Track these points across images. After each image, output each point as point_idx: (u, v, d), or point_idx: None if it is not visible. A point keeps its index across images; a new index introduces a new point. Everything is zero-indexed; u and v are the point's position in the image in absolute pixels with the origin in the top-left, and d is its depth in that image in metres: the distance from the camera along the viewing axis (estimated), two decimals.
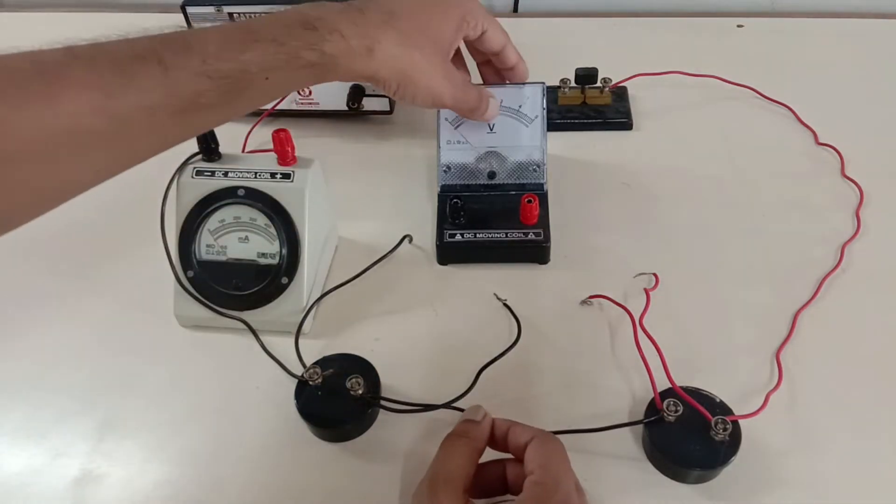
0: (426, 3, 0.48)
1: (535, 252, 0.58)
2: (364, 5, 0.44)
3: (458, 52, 0.55)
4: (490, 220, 0.58)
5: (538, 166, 0.59)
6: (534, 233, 0.57)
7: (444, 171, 0.60)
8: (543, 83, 0.60)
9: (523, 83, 0.59)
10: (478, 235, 0.58)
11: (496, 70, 0.59)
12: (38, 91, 0.32)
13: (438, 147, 0.60)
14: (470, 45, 0.55)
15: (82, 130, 0.33)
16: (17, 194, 0.34)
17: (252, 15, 0.64)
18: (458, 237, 0.58)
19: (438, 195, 0.60)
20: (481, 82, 0.60)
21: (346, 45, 0.42)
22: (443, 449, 0.41)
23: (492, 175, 0.60)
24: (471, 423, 0.42)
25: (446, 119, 0.60)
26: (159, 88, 0.34)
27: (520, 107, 0.59)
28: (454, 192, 0.60)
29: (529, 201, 0.56)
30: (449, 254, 0.58)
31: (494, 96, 0.57)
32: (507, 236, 0.57)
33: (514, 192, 0.59)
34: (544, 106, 0.59)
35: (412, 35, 0.45)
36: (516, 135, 0.60)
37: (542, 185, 0.60)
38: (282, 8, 0.43)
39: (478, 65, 0.59)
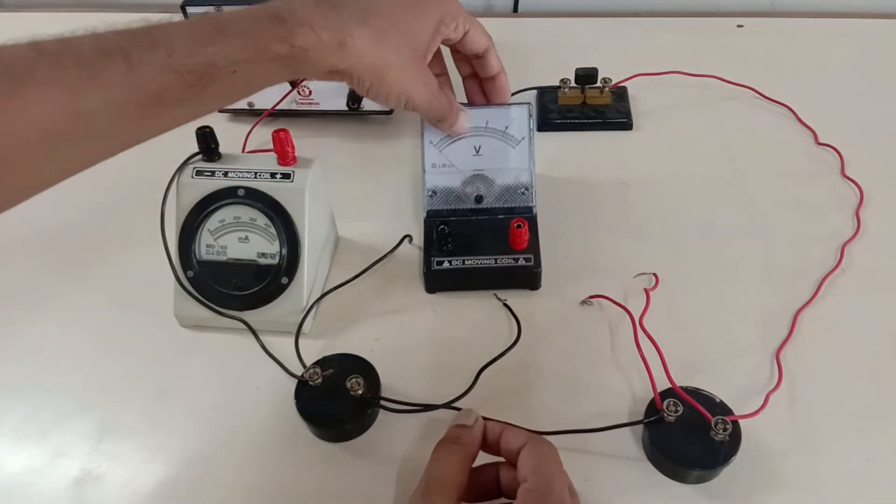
0: (403, 2, 0.46)
1: (526, 278, 0.56)
2: (338, 1, 0.43)
3: (439, 58, 0.53)
4: (478, 246, 0.56)
5: (527, 189, 0.58)
6: (524, 258, 0.56)
7: (430, 196, 0.59)
8: (529, 104, 0.58)
9: (509, 104, 0.57)
10: (466, 262, 0.56)
11: (480, 84, 0.57)
12: (4, 91, 0.31)
13: (423, 171, 0.58)
14: (453, 49, 0.53)
15: (48, 129, 0.32)
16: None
17: None
18: (447, 264, 0.56)
19: (425, 221, 0.58)
20: (465, 102, 0.57)
21: (317, 37, 0.41)
22: (435, 455, 0.41)
23: (479, 199, 0.58)
24: (462, 427, 0.42)
25: (431, 142, 0.58)
26: (125, 84, 0.34)
27: (506, 128, 0.58)
28: (441, 218, 0.58)
29: (519, 226, 0.55)
30: (437, 282, 0.57)
31: (465, 111, 0.55)
32: (496, 262, 0.56)
33: (502, 217, 0.57)
34: (531, 127, 0.58)
35: (387, 33, 0.43)
36: (503, 157, 0.58)
37: (531, 208, 0.58)
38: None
39: (463, 80, 0.57)
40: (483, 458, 0.43)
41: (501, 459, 0.43)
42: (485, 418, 0.44)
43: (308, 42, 0.40)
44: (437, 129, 0.57)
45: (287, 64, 0.41)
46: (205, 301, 0.54)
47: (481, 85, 0.57)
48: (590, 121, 0.70)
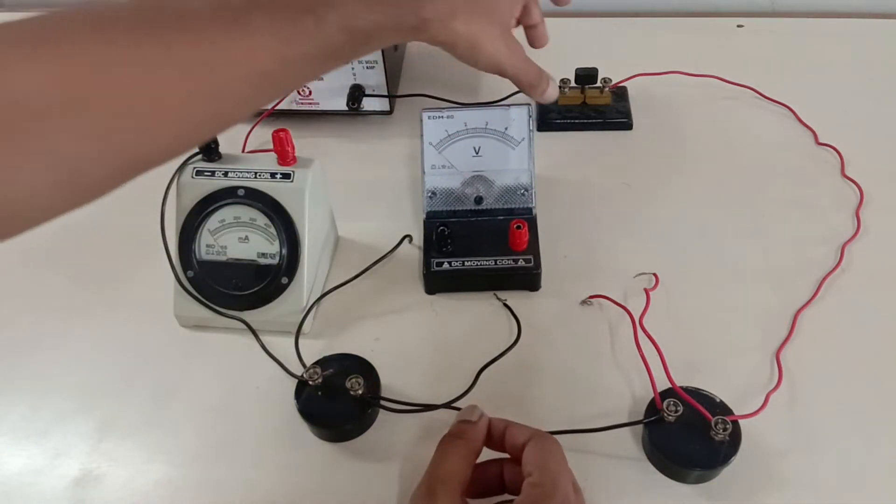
0: None
1: (526, 279, 0.56)
2: None
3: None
4: (478, 248, 0.56)
5: (526, 190, 0.58)
6: (524, 259, 0.56)
7: (430, 197, 0.59)
8: (529, 104, 0.58)
9: (509, 105, 0.58)
10: (466, 264, 0.56)
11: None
12: (231, 32, 0.35)
13: (423, 172, 0.58)
14: None
15: (261, 71, 0.37)
16: (216, 122, 0.38)
17: None
18: (446, 266, 0.56)
19: (424, 222, 0.58)
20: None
21: (436, 10, 0.46)
22: (439, 450, 0.41)
23: (479, 200, 0.58)
24: (467, 423, 0.42)
25: (430, 143, 0.58)
26: (315, 39, 0.39)
27: (506, 129, 0.58)
28: (440, 219, 0.58)
29: (518, 227, 0.55)
30: (437, 283, 0.57)
31: (554, 80, 0.57)
32: (496, 264, 0.56)
33: (502, 218, 0.57)
34: (531, 128, 0.58)
35: (482, 6, 0.50)
36: (503, 158, 0.58)
37: (530, 209, 0.58)
38: None
39: None
40: (487, 455, 0.43)
41: (506, 456, 0.43)
42: None
43: (429, 14, 0.46)
44: (436, 131, 0.57)
45: (411, 32, 0.47)
46: (205, 301, 0.54)
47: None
48: (590, 121, 0.70)
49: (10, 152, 0.30)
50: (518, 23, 0.58)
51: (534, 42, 0.60)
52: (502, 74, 0.54)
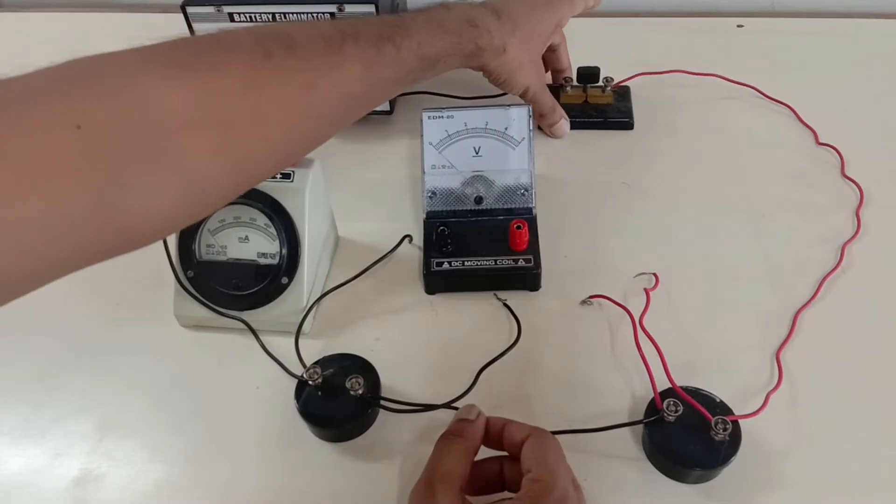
0: (538, 10, 0.61)
1: (526, 279, 0.56)
2: (498, 11, 0.57)
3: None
4: (478, 248, 0.56)
5: (526, 190, 0.58)
6: (524, 259, 0.56)
7: (430, 197, 0.59)
8: (529, 105, 0.58)
9: (508, 105, 0.58)
10: (466, 264, 0.56)
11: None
12: (332, 62, 0.40)
13: (423, 172, 0.58)
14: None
15: (351, 94, 0.41)
16: (312, 141, 0.43)
17: (252, 15, 0.64)
18: (446, 266, 0.56)
19: (424, 222, 0.58)
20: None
21: (491, 42, 0.54)
22: (438, 448, 0.42)
23: (479, 200, 0.58)
24: (465, 421, 0.43)
25: (430, 143, 0.58)
26: (393, 65, 0.44)
27: (506, 129, 0.58)
28: (440, 219, 0.58)
29: (518, 227, 0.55)
30: (437, 283, 0.57)
31: (567, 119, 0.67)
32: (496, 264, 0.56)
33: (502, 218, 0.57)
34: (531, 128, 0.58)
35: (527, 42, 0.58)
36: (503, 158, 0.58)
37: (530, 209, 0.58)
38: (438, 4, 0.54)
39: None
40: (487, 454, 0.43)
41: (505, 454, 0.43)
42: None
43: (486, 44, 0.54)
44: (436, 131, 0.57)
45: (468, 58, 0.54)
46: (205, 301, 0.54)
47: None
48: (591, 120, 0.70)
49: (146, 168, 0.33)
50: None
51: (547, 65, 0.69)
52: (525, 98, 0.61)
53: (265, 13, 0.63)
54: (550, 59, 0.68)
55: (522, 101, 0.59)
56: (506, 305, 0.56)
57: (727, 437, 0.44)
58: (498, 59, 0.55)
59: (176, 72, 0.34)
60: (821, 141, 0.67)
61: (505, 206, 0.58)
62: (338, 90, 0.41)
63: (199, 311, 0.54)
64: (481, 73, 0.59)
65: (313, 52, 0.39)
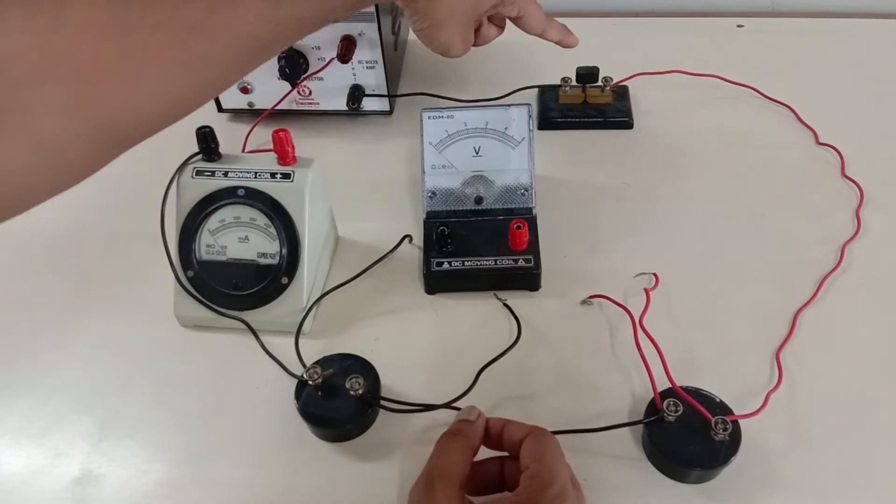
0: None
1: (526, 279, 0.56)
2: None
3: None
4: (478, 248, 0.56)
5: (526, 190, 0.58)
6: (524, 259, 0.56)
7: (430, 197, 0.59)
8: (529, 105, 0.58)
9: (508, 105, 0.58)
10: (466, 264, 0.56)
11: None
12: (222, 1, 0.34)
13: (423, 172, 0.58)
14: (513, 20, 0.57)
15: (252, 35, 0.35)
16: (203, 91, 0.36)
17: None
18: (446, 266, 0.56)
19: (424, 222, 0.58)
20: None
21: None
22: (438, 447, 0.42)
23: (479, 200, 0.58)
24: (465, 422, 0.43)
25: (430, 143, 0.58)
26: (309, 2, 0.37)
27: (506, 129, 0.58)
28: (440, 219, 0.58)
29: (518, 227, 0.55)
30: (436, 283, 0.57)
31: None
32: (496, 264, 0.56)
33: (502, 218, 0.57)
34: (531, 128, 0.58)
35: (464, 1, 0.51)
36: (503, 158, 0.58)
37: (530, 209, 0.58)
38: None
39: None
40: (488, 454, 0.43)
41: (505, 454, 0.43)
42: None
43: None
44: (436, 131, 0.57)
45: None
46: (205, 301, 0.54)
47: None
48: (591, 119, 0.70)
49: None
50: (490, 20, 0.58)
51: (525, 28, 0.59)
52: (444, 56, 0.54)
53: None
54: (522, 27, 0.59)
55: (523, 102, 0.59)
56: (506, 305, 0.56)
57: (727, 437, 0.44)
58: (428, 8, 0.49)
59: (14, 13, 0.29)
60: (821, 141, 0.67)
61: (505, 206, 0.58)
62: (233, 32, 0.34)
63: (199, 311, 0.54)
64: (406, 13, 0.52)
65: None
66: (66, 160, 0.32)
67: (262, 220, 0.53)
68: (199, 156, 0.54)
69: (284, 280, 0.53)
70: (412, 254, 0.60)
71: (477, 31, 0.56)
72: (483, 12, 0.53)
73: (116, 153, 0.34)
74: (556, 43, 0.60)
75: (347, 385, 0.48)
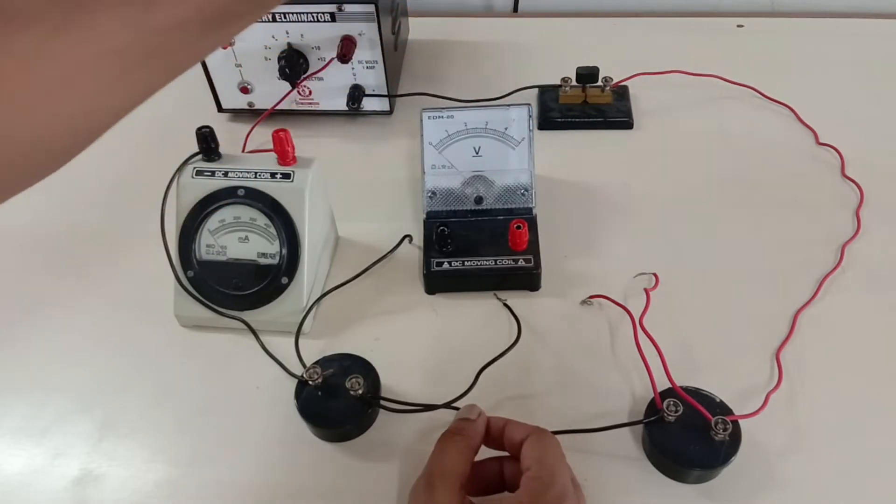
0: None
1: (526, 279, 0.56)
2: None
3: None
4: (478, 248, 0.56)
5: (526, 190, 0.58)
6: (524, 259, 0.56)
7: (430, 197, 0.59)
8: (529, 105, 0.58)
9: (508, 105, 0.58)
10: (466, 264, 0.56)
11: None
12: (72, 11, 0.29)
13: (423, 172, 0.58)
14: None
15: (114, 50, 0.31)
16: (59, 125, 0.32)
17: None
18: (446, 266, 0.56)
19: (424, 222, 0.58)
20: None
21: None
22: (438, 446, 0.42)
23: (479, 200, 0.58)
24: (466, 420, 0.43)
25: (430, 143, 0.58)
26: (191, 2, 0.32)
27: (506, 129, 0.58)
28: (440, 219, 0.58)
29: (518, 227, 0.55)
30: (436, 283, 0.57)
31: None
32: (496, 264, 0.56)
33: (502, 218, 0.58)
34: (531, 128, 0.58)
35: None
36: (503, 158, 0.58)
37: (530, 209, 0.58)
38: None
39: None
40: (489, 454, 0.43)
41: (506, 454, 0.43)
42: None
43: None
44: (436, 131, 0.57)
45: None
46: (205, 301, 0.54)
47: None
48: (591, 119, 0.70)
49: None
50: None
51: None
52: None
53: None
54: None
55: (523, 102, 0.59)
56: (506, 305, 0.56)
57: (727, 437, 0.44)
58: None
59: None
60: (821, 141, 0.67)
61: (505, 206, 0.58)
62: (91, 49, 0.30)
63: (199, 311, 0.54)
64: None
65: (40, 5, 0.29)
66: None
67: (262, 220, 0.53)
68: (199, 156, 0.54)
69: (284, 280, 0.53)
70: (412, 254, 0.60)
71: None
72: None
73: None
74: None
75: (347, 385, 0.48)
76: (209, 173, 0.54)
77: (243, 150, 0.69)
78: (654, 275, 0.56)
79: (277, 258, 0.53)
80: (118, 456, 0.49)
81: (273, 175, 0.53)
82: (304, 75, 0.67)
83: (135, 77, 0.32)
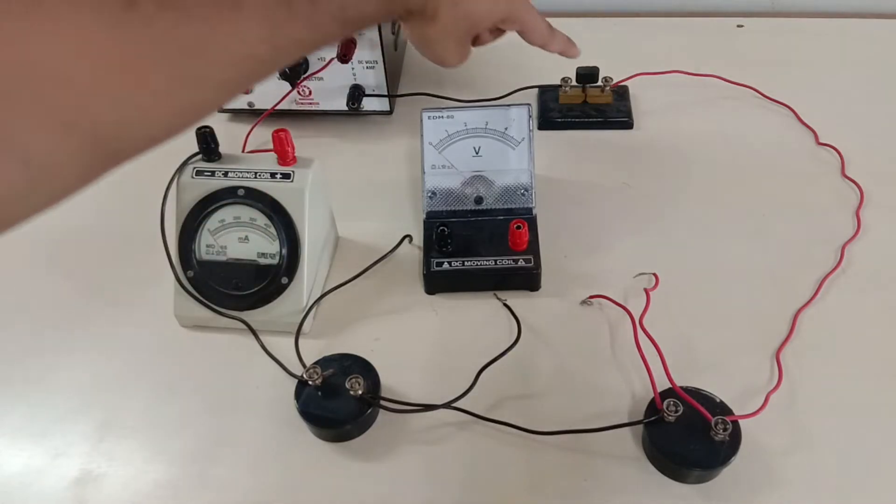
0: None
1: (526, 279, 0.56)
2: None
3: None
4: (478, 248, 0.56)
5: (526, 190, 0.58)
6: (524, 259, 0.56)
7: (430, 197, 0.59)
8: (529, 105, 0.58)
9: (508, 105, 0.58)
10: (466, 264, 0.56)
11: None
12: (224, 14, 0.33)
13: (423, 172, 0.58)
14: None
15: (253, 55, 0.35)
16: (197, 110, 0.35)
17: None
18: (446, 266, 0.56)
19: (424, 222, 0.58)
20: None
21: (424, 8, 0.48)
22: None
23: (479, 200, 0.58)
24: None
25: (430, 143, 0.58)
26: (308, 26, 0.38)
27: (506, 129, 0.58)
28: (440, 219, 0.58)
29: (518, 227, 0.55)
30: (437, 283, 0.57)
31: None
32: (496, 264, 0.56)
33: (502, 218, 0.57)
34: (531, 128, 0.58)
35: (462, 19, 0.51)
36: (503, 158, 0.58)
37: (530, 209, 0.58)
38: None
39: None
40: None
41: None
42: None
43: (416, 8, 0.48)
44: (436, 131, 0.57)
45: (393, 19, 0.50)
46: (205, 301, 0.54)
47: None
48: (591, 119, 0.70)
49: None
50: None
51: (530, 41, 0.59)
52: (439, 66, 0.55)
53: None
54: (525, 39, 0.59)
55: (522, 102, 0.59)
56: (506, 305, 0.56)
57: (727, 437, 0.44)
58: (424, 27, 0.49)
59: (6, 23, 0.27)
60: (821, 141, 0.67)
61: (505, 206, 0.58)
62: (233, 52, 0.34)
63: (199, 311, 0.54)
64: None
65: (199, 3, 0.32)
66: (51, 178, 0.31)
67: (262, 220, 0.53)
68: (199, 156, 0.54)
69: (284, 280, 0.53)
70: (412, 254, 0.60)
71: (476, 39, 0.56)
72: (481, 30, 0.54)
73: (103, 172, 0.33)
74: (559, 54, 0.59)
75: (347, 385, 0.48)
76: (209, 173, 0.54)
77: (243, 150, 0.69)
78: (654, 275, 0.56)
79: (277, 258, 0.53)
80: (118, 456, 0.49)
81: (273, 175, 0.53)
82: (304, 75, 0.67)
83: (251, 80, 0.37)
